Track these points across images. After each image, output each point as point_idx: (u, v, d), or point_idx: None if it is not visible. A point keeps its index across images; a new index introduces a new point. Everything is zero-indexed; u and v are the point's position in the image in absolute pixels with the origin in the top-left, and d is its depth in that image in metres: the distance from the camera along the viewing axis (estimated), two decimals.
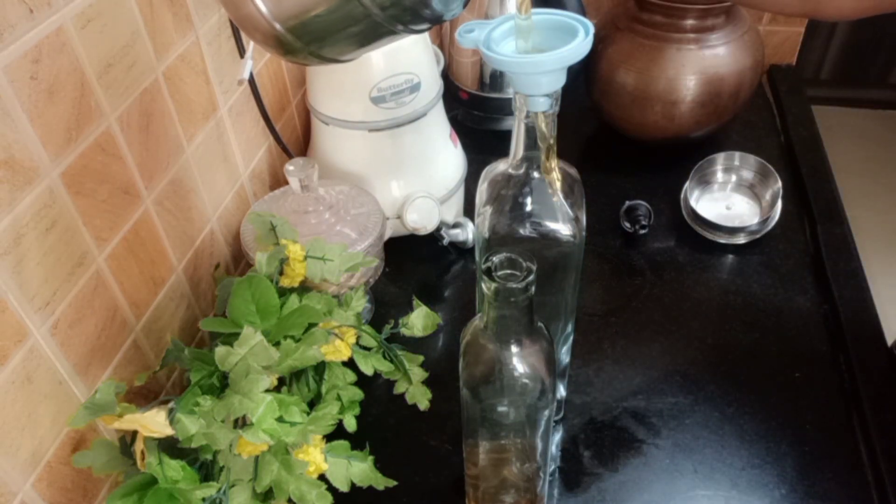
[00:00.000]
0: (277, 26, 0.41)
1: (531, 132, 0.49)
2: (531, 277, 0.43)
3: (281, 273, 0.61)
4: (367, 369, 0.65)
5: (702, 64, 0.84)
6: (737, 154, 0.86)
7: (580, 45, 0.44)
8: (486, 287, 0.44)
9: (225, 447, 0.50)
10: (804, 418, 0.65)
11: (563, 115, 0.49)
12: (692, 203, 0.83)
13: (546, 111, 0.47)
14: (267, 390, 0.51)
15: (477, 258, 0.57)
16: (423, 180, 0.78)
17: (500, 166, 0.53)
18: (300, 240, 0.63)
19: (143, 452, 0.49)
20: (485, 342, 0.47)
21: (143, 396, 0.60)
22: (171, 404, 0.49)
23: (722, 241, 0.82)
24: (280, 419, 0.50)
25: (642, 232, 0.83)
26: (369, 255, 0.66)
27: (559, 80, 0.46)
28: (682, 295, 0.77)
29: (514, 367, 0.48)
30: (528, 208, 0.52)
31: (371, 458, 0.59)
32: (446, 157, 0.81)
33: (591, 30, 0.45)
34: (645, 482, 0.61)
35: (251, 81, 0.70)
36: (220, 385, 0.54)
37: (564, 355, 0.60)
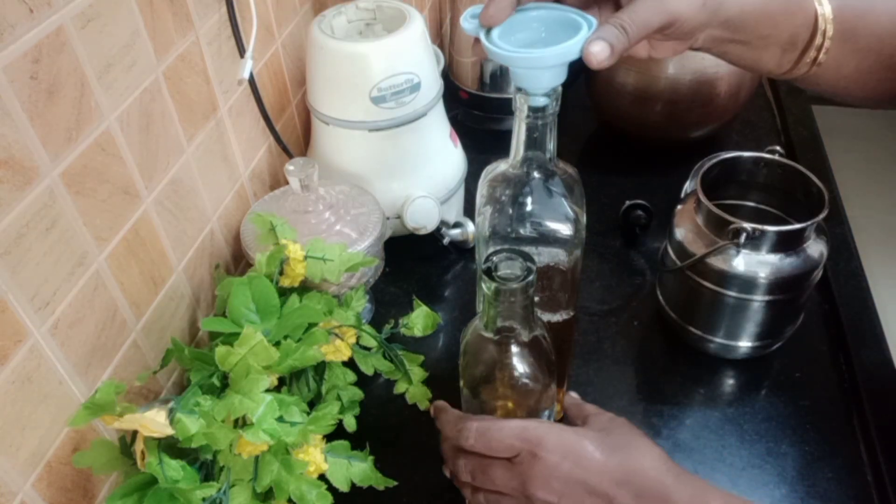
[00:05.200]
0: None
1: (531, 132, 0.49)
2: (531, 277, 0.43)
3: (281, 273, 0.61)
4: (368, 369, 0.65)
5: (702, 64, 0.84)
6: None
7: (582, 40, 0.44)
8: (486, 287, 0.43)
9: (225, 447, 0.50)
10: (804, 418, 0.65)
11: (563, 115, 0.48)
12: None
13: (546, 108, 0.47)
14: (267, 390, 0.51)
15: (477, 258, 0.57)
16: (423, 180, 0.78)
17: (500, 166, 0.53)
18: (300, 240, 0.63)
19: (143, 452, 0.48)
20: (485, 342, 0.47)
21: (143, 396, 0.60)
22: (171, 404, 0.49)
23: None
24: (280, 419, 0.50)
25: (642, 232, 0.83)
26: (369, 255, 0.66)
27: (560, 77, 0.46)
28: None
29: (514, 367, 0.47)
30: (528, 208, 0.52)
31: (371, 458, 0.59)
32: (446, 157, 0.81)
33: (595, 25, 0.45)
34: None
35: (251, 81, 0.70)
36: (220, 385, 0.54)
37: None
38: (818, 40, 0.48)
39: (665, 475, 0.45)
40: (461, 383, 0.50)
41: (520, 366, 0.48)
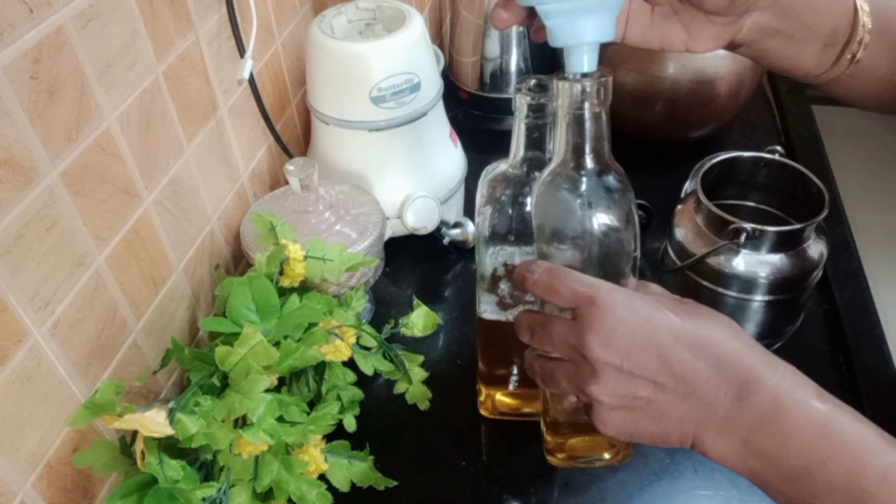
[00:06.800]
0: None
1: (531, 132, 0.49)
2: (607, 78, 0.41)
3: (281, 273, 0.61)
4: (368, 369, 0.65)
5: (702, 64, 0.84)
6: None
7: None
8: (563, 90, 0.41)
9: (225, 447, 0.50)
10: None
11: None
12: None
13: (545, 107, 0.46)
14: (267, 390, 0.51)
15: (477, 258, 0.57)
16: (423, 180, 0.78)
17: (501, 166, 0.53)
18: (300, 240, 0.63)
19: (143, 452, 0.49)
20: (559, 188, 0.44)
21: (143, 396, 0.60)
22: (171, 404, 0.49)
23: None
24: (280, 419, 0.50)
25: (642, 232, 0.83)
26: (369, 255, 0.66)
27: (607, 28, 0.41)
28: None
29: (592, 214, 0.44)
30: (528, 208, 0.52)
31: (371, 458, 0.59)
32: (446, 157, 0.81)
33: None
34: (645, 482, 0.61)
35: (251, 81, 0.70)
36: (220, 385, 0.54)
37: None
38: (859, 34, 0.48)
39: (750, 350, 0.41)
40: (535, 252, 0.45)
41: (599, 208, 0.44)
